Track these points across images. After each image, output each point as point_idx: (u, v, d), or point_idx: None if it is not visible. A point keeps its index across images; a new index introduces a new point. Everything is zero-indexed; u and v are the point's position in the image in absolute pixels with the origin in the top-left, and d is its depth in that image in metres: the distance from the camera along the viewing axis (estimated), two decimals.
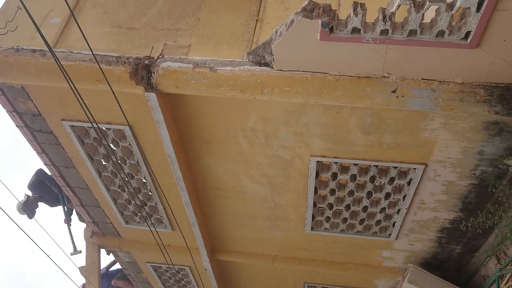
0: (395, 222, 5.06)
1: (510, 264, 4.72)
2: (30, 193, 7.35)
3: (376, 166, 4.37)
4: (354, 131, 4.01)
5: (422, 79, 3.25)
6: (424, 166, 4.21)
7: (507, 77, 3.13)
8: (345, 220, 5.19)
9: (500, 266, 4.88)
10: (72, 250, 7.31)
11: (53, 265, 4.87)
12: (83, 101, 2.66)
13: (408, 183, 4.47)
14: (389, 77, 3.27)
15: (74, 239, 7.44)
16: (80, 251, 7.19)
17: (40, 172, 7.15)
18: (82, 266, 6.70)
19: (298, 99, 3.54)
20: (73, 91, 2.50)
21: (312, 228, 5.37)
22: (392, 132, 3.95)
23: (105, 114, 4.24)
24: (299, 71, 3.39)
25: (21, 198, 7.21)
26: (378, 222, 5.14)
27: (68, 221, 7.40)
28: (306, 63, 3.35)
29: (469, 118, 3.67)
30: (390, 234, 5.26)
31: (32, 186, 7.21)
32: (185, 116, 4.18)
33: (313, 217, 5.18)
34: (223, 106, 4.01)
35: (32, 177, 7.19)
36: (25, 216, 7.23)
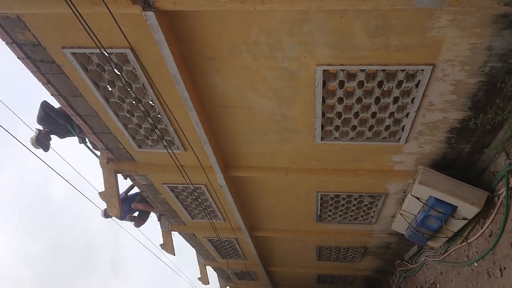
0: (404, 126, 5.09)
1: None
2: (40, 127, 7.43)
3: (383, 70, 4.32)
4: (359, 35, 3.92)
5: None
6: (432, 66, 4.16)
7: None
8: (354, 127, 5.22)
9: (510, 161, 4.94)
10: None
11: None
12: (82, 19, 2.60)
13: (416, 86, 4.44)
14: None
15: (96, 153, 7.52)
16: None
17: (44, 104, 7.12)
18: (102, 191, 6.92)
19: (300, 6, 3.43)
20: (72, 10, 2.44)
21: (322, 138, 5.42)
22: (398, 33, 3.86)
23: (105, 38, 4.14)
24: None
25: (33, 133, 7.32)
26: (387, 127, 5.17)
27: (83, 140, 7.44)
28: None
29: (478, 12, 3.56)
30: (400, 138, 5.31)
31: (40, 119, 7.26)
32: (186, 34, 4.09)
33: (322, 127, 5.22)
34: (224, 20, 3.90)
35: (38, 110, 7.22)
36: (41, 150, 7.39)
